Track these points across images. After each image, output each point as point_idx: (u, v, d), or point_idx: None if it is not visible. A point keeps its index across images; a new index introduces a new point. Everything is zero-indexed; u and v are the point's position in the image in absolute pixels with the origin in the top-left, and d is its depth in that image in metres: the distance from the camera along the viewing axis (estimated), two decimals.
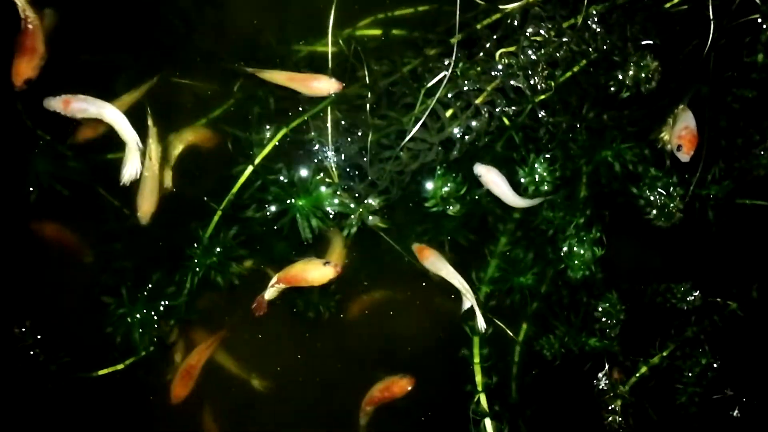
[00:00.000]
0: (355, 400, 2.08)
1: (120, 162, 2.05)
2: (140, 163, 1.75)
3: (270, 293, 1.81)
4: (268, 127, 1.95)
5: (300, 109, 1.93)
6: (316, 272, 1.78)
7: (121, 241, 2.04)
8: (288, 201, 1.88)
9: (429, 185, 1.95)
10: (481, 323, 1.84)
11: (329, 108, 1.94)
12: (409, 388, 2.01)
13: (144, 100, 2.02)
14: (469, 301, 1.83)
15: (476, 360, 1.99)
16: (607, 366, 1.97)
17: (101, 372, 1.92)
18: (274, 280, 1.80)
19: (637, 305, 2.03)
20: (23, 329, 1.84)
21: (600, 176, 2.01)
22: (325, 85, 1.85)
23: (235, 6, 2.16)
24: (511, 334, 2.06)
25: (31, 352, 1.84)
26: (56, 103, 1.72)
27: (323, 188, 1.86)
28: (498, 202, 1.99)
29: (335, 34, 1.96)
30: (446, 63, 1.85)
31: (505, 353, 2.07)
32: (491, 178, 1.87)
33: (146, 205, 1.90)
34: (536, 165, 1.87)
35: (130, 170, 1.74)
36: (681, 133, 1.85)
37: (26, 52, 1.89)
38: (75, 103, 1.73)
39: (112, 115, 1.76)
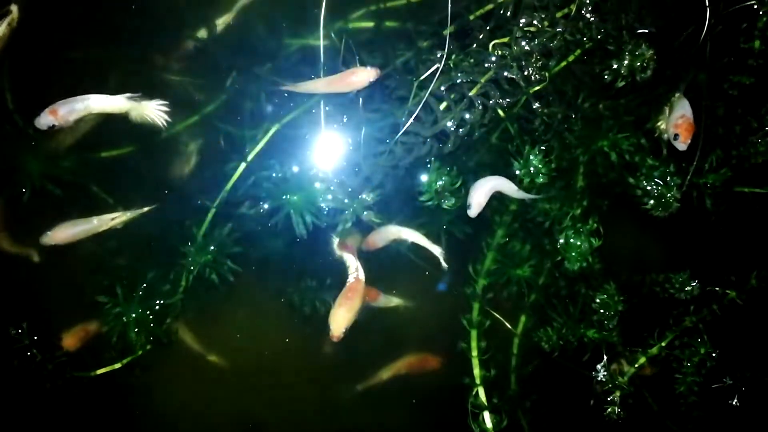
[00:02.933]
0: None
1: (113, 159, 2.08)
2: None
3: None
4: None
5: (292, 104, 1.91)
6: None
7: (115, 239, 2.03)
8: (281, 197, 1.86)
9: (423, 178, 1.93)
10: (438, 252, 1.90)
11: (322, 102, 1.92)
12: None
13: None
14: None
15: (474, 353, 1.98)
16: (605, 357, 1.95)
17: (99, 371, 1.91)
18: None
19: (635, 295, 2.02)
20: (20, 330, 1.83)
21: (596, 166, 1.99)
22: (364, 77, 1.79)
23: (225, 1, 2.13)
24: (509, 326, 2.05)
25: (28, 353, 1.83)
26: (46, 119, 1.74)
27: (317, 184, 1.84)
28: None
29: (327, 26, 1.94)
30: (439, 55, 1.82)
31: (504, 345, 2.06)
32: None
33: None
34: (531, 157, 1.85)
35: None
36: (677, 121, 1.83)
37: None
38: (62, 109, 1.74)
39: (98, 102, 1.80)
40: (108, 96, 1.82)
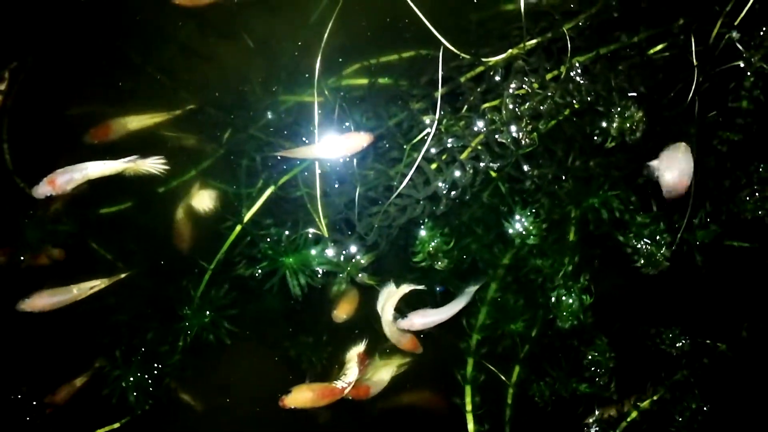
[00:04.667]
0: None
1: (112, 216, 2.11)
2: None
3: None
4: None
5: (285, 167, 1.94)
6: None
7: (114, 296, 2.06)
8: (277, 259, 1.89)
9: (419, 234, 1.95)
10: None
11: (317, 163, 1.95)
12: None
13: None
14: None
15: (468, 408, 2.01)
16: (597, 411, 1.98)
17: None
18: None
19: (627, 348, 2.04)
20: (20, 396, 1.86)
21: (588, 222, 2.02)
22: (358, 142, 1.85)
23: (221, 58, 2.16)
24: (503, 377, 2.08)
25: (28, 418, 1.86)
26: (43, 189, 1.76)
27: (312, 250, 1.87)
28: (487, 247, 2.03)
29: (321, 83, 1.96)
30: (428, 121, 1.85)
31: (498, 398, 2.08)
32: (419, 323, 1.90)
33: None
34: (522, 219, 1.88)
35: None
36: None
37: None
38: (60, 178, 1.76)
39: (96, 168, 1.82)
40: (105, 162, 1.84)
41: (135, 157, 1.88)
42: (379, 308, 1.93)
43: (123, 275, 2.00)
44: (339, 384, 1.91)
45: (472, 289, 1.95)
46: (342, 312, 2.01)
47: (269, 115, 2.07)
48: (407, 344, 2.00)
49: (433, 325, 1.91)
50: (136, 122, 2.09)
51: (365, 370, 2.00)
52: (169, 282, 2.03)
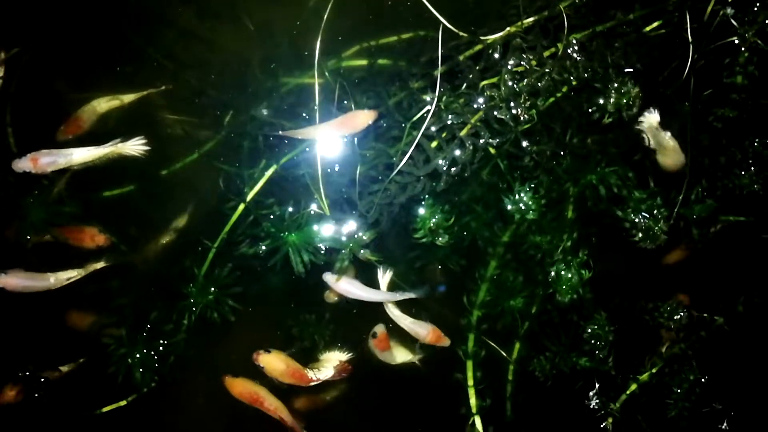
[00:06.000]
0: None
1: (116, 199, 2.13)
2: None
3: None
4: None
5: (287, 144, 1.96)
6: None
7: (119, 279, 2.08)
8: (280, 237, 1.91)
9: (420, 210, 1.97)
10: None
11: (317, 142, 1.97)
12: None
13: None
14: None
15: (470, 383, 2.04)
16: (597, 385, 2.01)
17: (105, 409, 1.96)
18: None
19: (626, 322, 2.07)
20: (27, 373, 1.88)
21: (586, 199, 2.04)
22: (363, 119, 1.86)
23: (221, 42, 2.18)
24: (504, 354, 2.10)
25: (36, 395, 1.88)
26: (24, 164, 1.78)
27: (315, 226, 1.89)
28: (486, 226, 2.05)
29: (321, 65, 1.98)
30: (429, 98, 1.88)
31: (499, 374, 2.11)
32: (343, 287, 1.92)
33: None
34: (522, 194, 1.90)
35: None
36: None
37: None
38: (43, 158, 1.78)
39: (80, 155, 1.86)
40: (89, 148, 1.87)
41: (117, 141, 1.91)
42: (389, 311, 1.97)
43: (99, 265, 2.00)
44: (310, 374, 1.93)
45: (410, 294, 1.95)
46: (333, 294, 2.04)
47: (270, 97, 2.09)
48: (430, 338, 1.99)
49: (353, 297, 1.93)
50: (104, 104, 2.09)
51: (340, 377, 2.00)
52: (173, 264, 2.05)
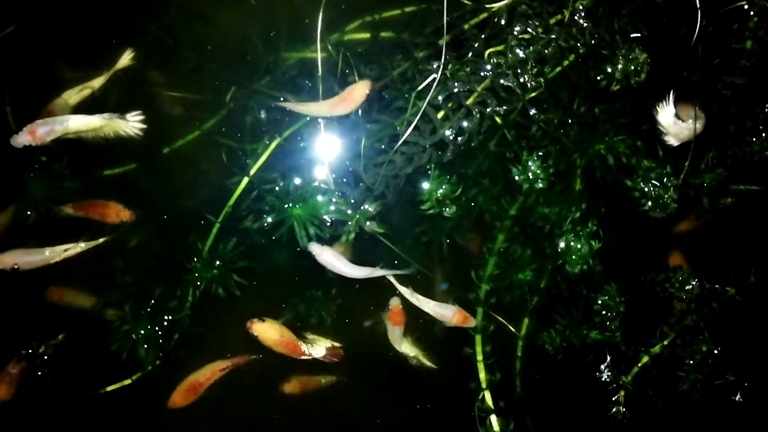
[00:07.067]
0: None
1: (116, 177, 2.10)
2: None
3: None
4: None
5: (289, 117, 1.93)
6: None
7: (122, 256, 2.05)
8: (284, 210, 1.89)
9: (424, 185, 1.95)
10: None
11: None
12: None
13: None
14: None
15: (479, 357, 2.01)
16: (609, 358, 1.98)
17: (109, 388, 1.94)
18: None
19: (637, 294, 2.04)
20: (29, 350, 1.85)
21: (594, 169, 2.01)
22: (360, 91, 1.84)
23: (222, 17, 2.16)
24: (513, 329, 2.08)
25: (39, 373, 1.86)
26: (23, 138, 1.76)
27: (319, 197, 1.87)
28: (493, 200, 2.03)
29: (324, 39, 1.96)
30: (435, 65, 1.85)
31: (508, 349, 2.08)
32: (325, 258, 1.88)
33: None
34: (530, 163, 1.88)
35: None
36: None
37: None
38: (40, 129, 1.76)
39: (76, 122, 1.82)
40: (86, 116, 1.84)
41: (115, 114, 1.87)
42: (408, 297, 1.94)
43: (101, 240, 1.97)
44: (303, 347, 1.90)
45: (394, 271, 1.93)
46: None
47: (272, 71, 2.07)
48: (456, 319, 1.95)
49: (336, 272, 1.89)
50: (75, 96, 2.02)
51: (329, 360, 1.97)
52: (176, 240, 2.02)
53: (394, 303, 1.97)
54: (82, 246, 1.93)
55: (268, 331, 1.86)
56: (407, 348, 2.06)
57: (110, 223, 1.98)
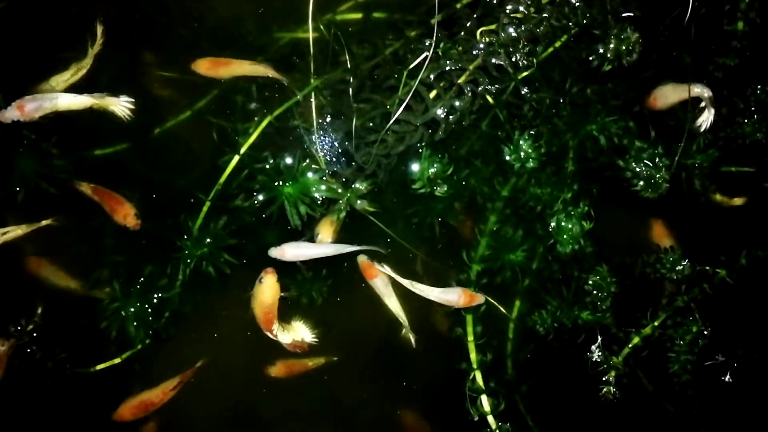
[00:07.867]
0: None
1: (105, 158, 2.09)
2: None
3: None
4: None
5: (280, 96, 1.93)
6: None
7: (111, 236, 2.04)
8: (275, 189, 1.88)
9: (416, 167, 1.95)
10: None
11: (313, 94, 1.94)
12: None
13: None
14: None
15: (470, 338, 2.00)
16: (599, 339, 1.98)
17: (99, 367, 1.93)
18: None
19: (627, 277, 2.04)
20: (19, 327, 1.84)
21: (586, 150, 2.01)
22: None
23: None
24: (504, 311, 2.07)
25: (28, 350, 1.85)
26: (11, 113, 1.76)
27: (310, 174, 1.86)
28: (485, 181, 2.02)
29: (316, 19, 1.95)
30: (427, 44, 1.84)
31: (499, 330, 2.08)
32: (290, 254, 1.86)
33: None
34: (521, 142, 1.88)
35: None
36: None
37: None
38: (28, 104, 1.76)
39: (65, 100, 1.82)
40: (75, 95, 1.84)
41: (104, 94, 1.87)
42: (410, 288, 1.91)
43: (44, 222, 1.95)
44: (275, 327, 1.86)
45: (364, 247, 1.92)
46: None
47: (264, 51, 2.06)
48: (463, 300, 1.92)
49: (307, 259, 1.88)
50: (62, 82, 1.99)
51: (292, 350, 1.94)
52: (166, 220, 2.01)
53: (360, 259, 1.94)
54: (24, 228, 1.91)
55: (266, 293, 1.83)
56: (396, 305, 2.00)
57: (115, 220, 1.96)
